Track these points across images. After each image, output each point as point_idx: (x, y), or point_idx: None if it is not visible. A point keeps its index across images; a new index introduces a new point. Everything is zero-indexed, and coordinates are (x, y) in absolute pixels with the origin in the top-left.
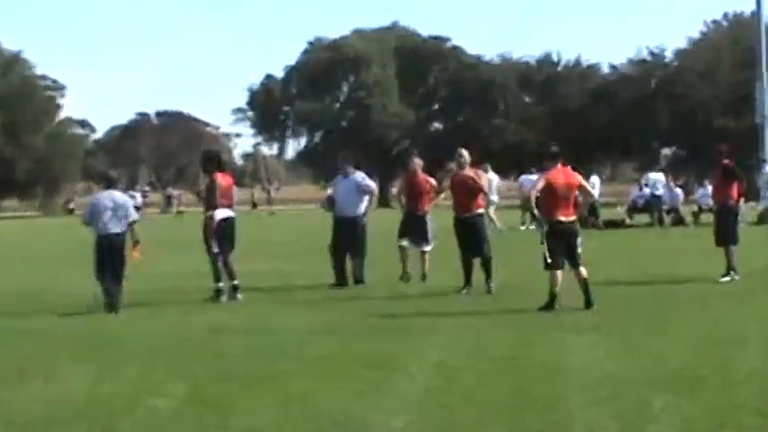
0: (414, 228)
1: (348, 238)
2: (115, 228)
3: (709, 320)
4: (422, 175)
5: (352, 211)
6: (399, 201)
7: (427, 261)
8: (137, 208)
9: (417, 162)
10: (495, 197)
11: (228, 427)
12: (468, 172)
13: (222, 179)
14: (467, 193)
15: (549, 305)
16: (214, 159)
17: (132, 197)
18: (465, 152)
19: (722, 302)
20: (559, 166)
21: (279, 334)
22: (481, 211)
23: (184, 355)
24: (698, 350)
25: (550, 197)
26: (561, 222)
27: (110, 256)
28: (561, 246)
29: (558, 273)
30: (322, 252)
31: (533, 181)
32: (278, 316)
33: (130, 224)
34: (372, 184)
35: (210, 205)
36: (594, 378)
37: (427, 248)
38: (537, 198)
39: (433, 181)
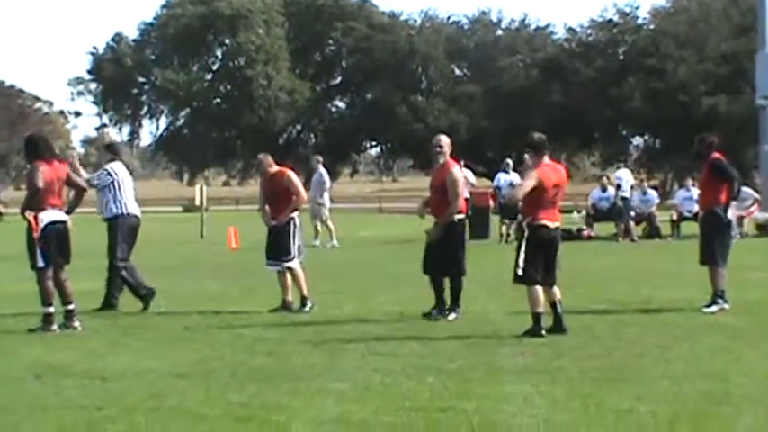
0: (271, 242)
1: None
2: None
3: (688, 366)
4: (278, 174)
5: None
6: (263, 212)
7: (301, 280)
8: None
9: (266, 161)
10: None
11: None
12: (450, 164)
13: (52, 170)
14: (443, 191)
15: (536, 330)
16: (38, 145)
17: None
18: (445, 139)
19: (706, 341)
20: (547, 158)
21: (128, 378)
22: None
23: (5, 403)
24: (676, 404)
25: (538, 197)
26: (547, 228)
27: None
28: (541, 257)
29: (539, 289)
30: (186, 268)
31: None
32: (128, 352)
33: None
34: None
35: (35, 205)
36: None
37: (291, 264)
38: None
39: (296, 180)
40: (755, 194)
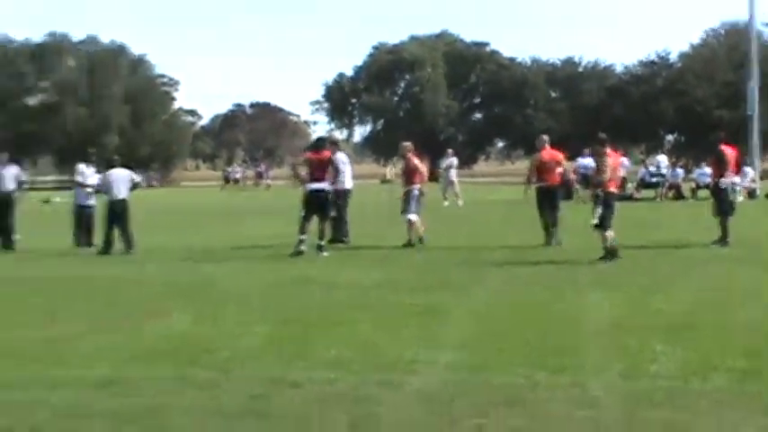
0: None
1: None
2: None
3: (704, 280)
4: (409, 158)
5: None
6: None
7: (414, 228)
8: (235, 180)
9: (405, 147)
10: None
11: (307, 359)
12: (549, 152)
13: (316, 156)
14: (551, 168)
15: (613, 254)
16: (314, 142)
17: (229, 172)
18: (544, 137)
19: (715, 265)
20: (608, 149)
21: (348, 286)
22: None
23: (271, 301)
24: (693, 304)
25: (610, 174)
26: (614, 193)
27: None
28: (613, 211)
29: (610, 232)
30: (380, 218)
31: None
32: (347, 270)
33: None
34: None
35: (306, 179)
36: (605, 326)
37: (409, 217)
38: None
39: (419, 163)
40: (752, 173)
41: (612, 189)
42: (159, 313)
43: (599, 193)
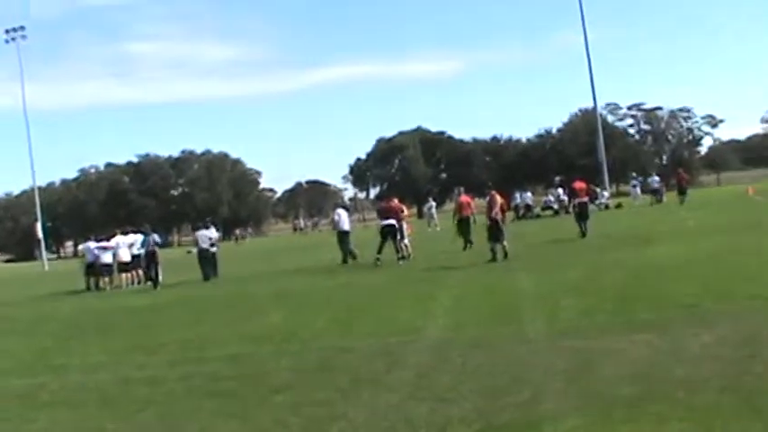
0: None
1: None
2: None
3: (580, 261)
4: (398, 205)
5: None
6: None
7: (405, 246)
8: (301, 228)
9: (392, 198)
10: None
11: (352, 333)
12: (464, 197)
13: (384, 205)
14: (465, 206)
15: (494, 257)
16: (383, 196)
17: (296, 224)
18: (461, 188)
19: (588, 251)
20: (494, 192)
21: (372, 287)
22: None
23: (325, 299)
24: (577, 276)
25: (497, 208)
26: (499, 220)
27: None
28: (501, 230)
29: (498, 244)
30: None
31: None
32: (368, 277)
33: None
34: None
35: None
36: (530, 293)
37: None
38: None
39: (402, 207)
40: (606, 194)
41: (498, 217)
42: (261, 312)
43: (496, 218)
